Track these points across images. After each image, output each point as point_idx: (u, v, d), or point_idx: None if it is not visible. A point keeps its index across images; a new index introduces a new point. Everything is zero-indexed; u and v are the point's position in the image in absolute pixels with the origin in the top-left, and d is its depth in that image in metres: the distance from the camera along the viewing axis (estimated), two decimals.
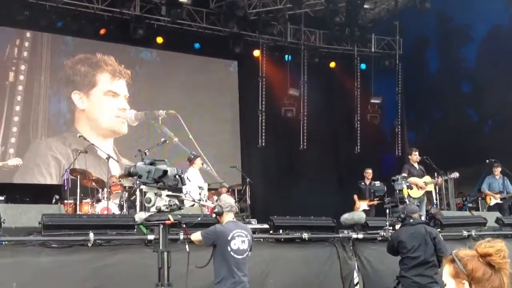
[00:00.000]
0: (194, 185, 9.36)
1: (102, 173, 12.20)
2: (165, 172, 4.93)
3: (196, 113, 15.68)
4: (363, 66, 17.33)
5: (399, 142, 17.10)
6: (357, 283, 7.71)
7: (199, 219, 5.40)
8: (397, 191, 8.81)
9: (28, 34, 13.82)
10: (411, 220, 6.80)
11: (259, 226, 8.52)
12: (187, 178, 8.91)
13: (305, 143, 16.37)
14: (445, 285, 2.23)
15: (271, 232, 7.59)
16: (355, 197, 12.36)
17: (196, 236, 5.35)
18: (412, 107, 17.43)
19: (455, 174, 11.28)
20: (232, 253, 5.24)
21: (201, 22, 14.98)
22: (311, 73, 16.55)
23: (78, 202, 9.68)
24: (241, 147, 16.22)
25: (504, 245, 2.17)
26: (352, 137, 16.89)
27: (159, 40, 14.83)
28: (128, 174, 5.12)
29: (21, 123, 13.39)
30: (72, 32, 13.94)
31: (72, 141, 13.56)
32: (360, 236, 7.84)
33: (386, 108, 17.24)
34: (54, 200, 10.17)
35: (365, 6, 15.28)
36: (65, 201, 9.79)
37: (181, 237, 6.00)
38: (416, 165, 10.98)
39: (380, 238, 7.82)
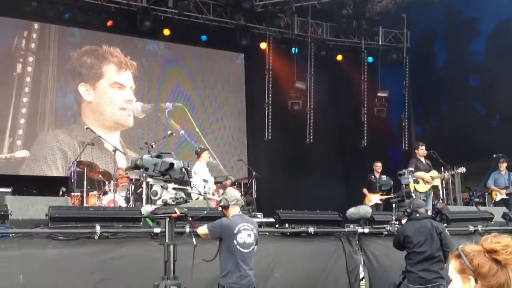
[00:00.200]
0: (199, 179, 9.36)
1: (109, 166, 12.25)
2: (172, 165, 4.93)
3: (202, 105, 15.70)
4: (370, 59, 17.25)
5: (406, 136, 17.04)
6: (363, 277, 7.72)
7: (205, 212, 5.40)
8: (404, 185, 8.81)
9: (35, 26, 13.84)
10: (417, 215, 6.78)
11: (265, 219, 8.54)
12: (194, 172, 8.94)
13: (311, 137, 16.34)
14: (451, 280, 2.22)
15: (277, 226, 7.59)
16: (365, 190, 12.16)
17: (203, 229, 5.36)
18: (419, 100, 17.34)
19: (462, 169, 11.25)
20: (238, 246, 5.24)
21: (208, 14, 14.94)
22: (318, 66, 16.49)
23: (85, 195, 9.71)
24: (247, 140, 16.22)
25: (510, 240, 2.16)
26: (359, 130, 16.84)
27: (166, 32, 14.82)
28: (135, 166, 5.13)
29: (29, 114, 13.43)
30: (80, 23, 13.95)
31: (78, 133, 13.59)
32: (366, 230, 7.83)
33: (393, 101, 17.17)
34: (61, 192, 10.19)
35: None
36: (72, 194, 9.81)
37: (187, 230, 6.01)
38: (422, 159, 10.95)
39: (386, 233, 7.81)
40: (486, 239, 2.17)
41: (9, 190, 9.79)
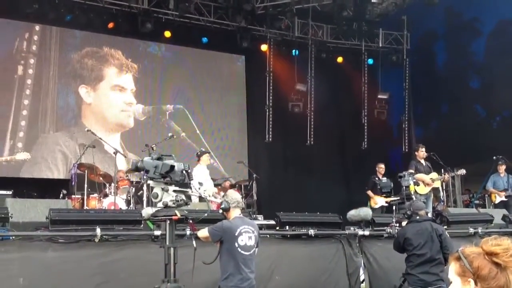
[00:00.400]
0: (195, 182, 9.36)
1: (109, 168, 12.23)
2: (172, 167, 4.93)
3: (203, 107, 15.70)
4: (370, 61, 17.25)
5: (406, 137, 17.04)
6: (363, 280, 7.72)
7: (206, 214, 5.40)
8: (404, 187, 8.80)
9: (37, 28, 13.84)
10: (418, 217, 6.78)
11: (265, 222, 8.53)
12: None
13: (312, 139, 16.34)
14: (451, 282, 2.22)
15: (277, 228, 7.59)
16: (370, 192, 11.91)
17: (203, 232, 5.35)
18: (419, 102, 17.35)
19: (462, 171, 11.24)
20: (239, 249, 5.24)
21: (209, 16, 14.96)
22: (319, 68, 16.50)
23: (85, 197, 9.70)
24: (248, 142, 16.21)
25: (510, 243, 2.16)
26: (359, 132, 16.83)
27: (167, 34, 14.83)
28: (136, 169, 5.13)
29: (30, 117, 13.43)
30: (81, 25, 13.95)
31: (79, 135, 13.60)
32: (367, 233, 7.83)
33: (393, 103, 17.17)
34: (61, 195, 10.19)
35: (372, 1, 15.23)
36: (73, 196, 9.79)
37: (188, 232, 6.02)
38: (423, 161, 10.95)
39: (387, 235, 7.81)
40: (486, 241, 2.17)
41: (9, 192, 9.78)
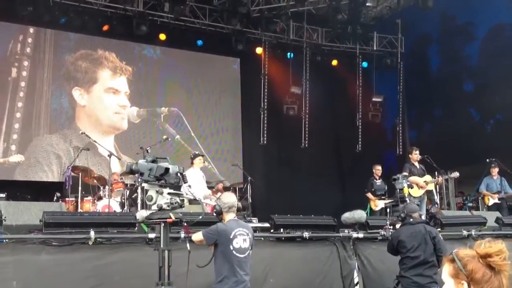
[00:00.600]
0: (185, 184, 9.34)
1: (103, 171, 12.22)
2: (167, 170, 4.94)
3: (198, 110, 15.71)
4: (365, 64, 17.30)
5: (400, 140, 17.08)
6: (357, 282, 7.72)
7: (200, 217, 5.39)
8: (398, 190, 8.83)
9: (31, 30, 13.83)
10: (411, 220, 6.79)
11: (260, 224, 8.53)
12: None
13: (306, 141, 16.36)
14: (444, 283, 2.23)
15: (272, 230, 7.58)
16: (370, 195, 11.79)
17: (197, 236, 5.33)
18: (413, 105, 17.41)
19: (456, 174, 11.28)
20: (234, 252, 5.22)
21: (204, 19, 14.97)
22: (313, 71, 16.53)
23: (79, 200, 9.68)
24: (242, 145, 16.23)
25: (504, 246, 2.17)
26: (354, 135, 16.87)
27: (162, 36, 14.84)
28: (130, 171, 5.14)
29: (23, 119, 13.40)
30: (75, 28, 13.93)
31: (73, 138, 13.59)
32: (361, 235, 7.84)
33: (387, 106, 17.23)
34: (55, 198, 10.17)
35: (367, 4, 15.28)
36: (66, 199, 9.78)
37: (182, 235, 6.01)
38: (416, 164, 10.98)
39: (381, 238, 7.82)
40: (480, 244, 2.18)
41: (3, 195, 9.77)
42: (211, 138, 15.64)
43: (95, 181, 10.38)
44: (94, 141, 11.10)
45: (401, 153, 16.68)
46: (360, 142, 16.84)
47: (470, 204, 13.82)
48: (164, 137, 11.09)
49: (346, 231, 8.12)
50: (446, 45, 16.64)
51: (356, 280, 7.68)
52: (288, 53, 16.37)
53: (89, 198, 10.00)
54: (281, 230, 7.52)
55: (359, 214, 8.10)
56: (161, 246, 4.98)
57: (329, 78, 17.11)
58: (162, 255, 4.93)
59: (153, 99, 15.20)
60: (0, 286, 5.41)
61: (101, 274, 5.93)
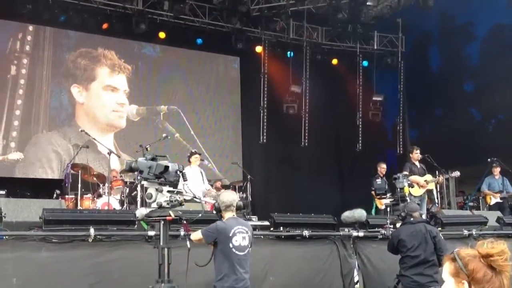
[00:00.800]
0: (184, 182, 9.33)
1: (103, 168, 12.22)
2: (166, 167, 4.93)
3: (197, 108, 15.70)
4: (365, 63, 17.29)
5: (401, 140, 17.08)
6: (357, 281, 7.71)
7: (200, 215, 5.39)
8: (399, 189, 8.81)
9: (30, 28, 13.81)
10: (412, 219, 6.79)
11: (259, 223, 8.52)
12: None
13: (306, 140, 16.35)
14: (444, 282, 2.21)
15: (271, 229, 7.56)
16: (373, 193, 11.40)
17: (196, 235, 5.31)
18: (414, 105, 17.42)
19: (456, 173, 11.28)
20: (234, 249, 5.21)
21: (203, 18, 14.95)
22: (313, 70, 16.52)
23: (79, 197, 9.67)
24: (242, 144, 16.22)
25: (506, 247, 2.16)
26: (354, 134, 16.86)
27: (162, 35, 14.82)
28: (130, 169, 5.12)
29: (23, 117, 13.39)
30: (75, 26, 13.92)
31: (72, 135, 13.57)
32: (361, 234, 7.83)
33: (388, 105, 17.23)
34: (55, 195, 10.16)
35: (368, 3, 15.28)
36: (66, 196, 9.77)
37: (182, 233, 6.00)
38: (417, 163, 10.97)
39: (381, 237, 7.81)
40: (482, 244, 2.17)
41: (3, 192, 9.76)
42: (210, 137, 15.63)
43: (94, 178, 10.38)
44: (94, 138, 11.10)
45: (401, 152, 16.68)
46: (360, 141, 16.84)
47: (471, 204, 13.82)
48: (164, 135, 11.07)
49: (346, 229, 8.10)
50: (447, 44, 16.65)
51: (356, 278, 7.67)
52: (288, 52, 16.35)
53: (89, 195, 9.98)
54: (281, 228, 7.49)
55: (359, 213, 8.07)
56: (161, 243, 4.97)
57: (329, 77, 17.10)
58: (162, 252, 4.92)
59: (153, 97, 15.19)
60: (0, 282, 5.40)
61: (101, 271, 5.93)
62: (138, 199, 9.15)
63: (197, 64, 15.87)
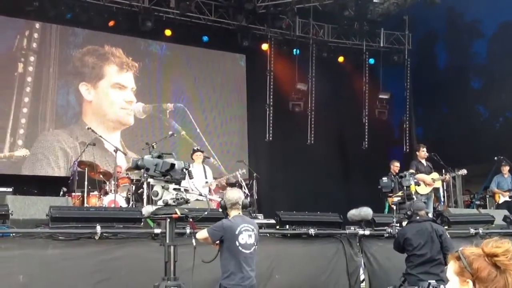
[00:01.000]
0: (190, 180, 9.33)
1: (109, 166, 12.25)
2: (173, 165, 4.94)
3: (203, 106, 15.71)
4: (371, 61, 17.22)
5: (407, 137, 17.02)
6: (363, 279, 7.71)
7: (206, 213, 5.39)
8: (405, 187, 8.80)
9: (37, 25, 13.83)
10: (418, 217, 6.79)
11: (265, 221, 8.52)
12: None
13: (312, 138, 16.32)
14: (448, 281, 2.21)
15: (277, 227, 7.57)
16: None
17: (202, 234, 5.29)
18: (420, 102, 17.35)
19: (463, 171, 11.23)
20: (240, 247, 5.21)
21: (209, 15, 14.94)
22: (319, 67, 16.47)
23: (85, 195, 9.70)
24: (248, 141, 16.21)
25: (511, 245, 2.15)
26: (360, 132, 16.82)
27: (168, 32, 14.82)
28: (136, 167, 5.14)
29: (30, 114, 13.43)
30: (81, 23, 13.95)
31: (79, 133, 13.61)
32: (367, 232, 7.82)
33: (394, 103, 17.16)
34: (61, 193, 10.19)
35: (374, 1, 15.26)
36: (73, 194, 9.80)
37: (188, 231, 6.01)
38: (423, 161, 10.94)
39: (387, 235, 7.79)
40: (487, 243, 2.15)
41: (10, 189, 9.79)
42: (216, 134, 15.64)
43: (101, 176, 10.41)
44: (100, 136, 11.12)
45: (408, 150, 16.63)
46: (366, 139, 16.79)
47: (478, 202, 13.78)
48: (170, 133, 11.11)
49: (352, 228, 8.10)
50: (454, 42, 16.57)
51: (362, 277, 7.68)
52: (294, 50, 16.30)
53: (95, 193, 10.02)
54: (287, 226, 7.49)
55: (365, 211, 8.06)
56: (167, 241, 4.99)
57: (335, 74, 17.04)
58: (168, 250, 4.93)
59: (159, 95, 15.20)
60: (6, 280, 5.43)
61: (107, 268, 5.95)
62: (145, 196, 9.17)
63: (203, 62, 15.86)
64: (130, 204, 9.78)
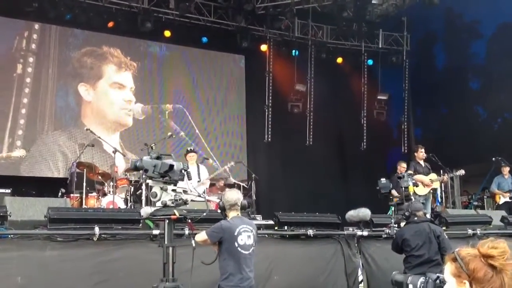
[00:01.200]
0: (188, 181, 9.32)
1: (108, 167, 12.24)
2: (171, 166, 4.94)
3: (202, 107, 15.72)
4: (370, 62, 17.26)
5: (406, 138, 17.05)
6: (362, 280, 7.72)
7: (205, 214, 5.39)
8: (403, 188, 8.80)
9: (36, 26, 13.83)
10: (416, 218, 6.79)
11: (264, 222, 8.52)
12: None
13: (311, 139, 16.34)
14: (445, 282, 2.22)
15: (276, 228, 7.57)
16: (395, 192, 11.72)
17: (201, 236, 5.26)
18: (419, 103, 17.37)
19: (461, 172, 11.24)
20: (239, 248, 5.20)
21: (209, 16, 14.96)
22: (318, 68, 16.50)
23: (84, 196, 9.70)
24: (247, 142, 16.22)
25: (507, 246, 2.16)
26: (359, 133, 16.84)
27: (167, 33, 14.83)
28: (134, 168, 5.13)
29: (28, 115, 13.43)
30: (81, 24, 13.96)
31: (78, 135, 13.60)
32: (365, 233, 7.82)
33: (392, 104, 17.18)
34: (60, 194, 10.19)
35: (373, 2, 15.24)
36: (71, 195, 9.80)
37: (187, 232, 6.01)
38: (422, 162, 10.95)
39: (385, 236, 7.80)
40: (483, 243, 2.16)
41: (8, 191, 9.78)
42: (215, 135, 15.64)
43: (99, 177, 10.40)
44: (99, 137, 11.12)
45: (406, 151, 16.65)
46: (365, 140, 16.81)
47: (476, 203, 13.79)
48: (169, 133, 11.09)
49: (350, 229, 8.10)
50: (452, 43, 16.58)
51: (360, 278, 7.68)
52: (293, 51, 16.33)
53: (94, 194, 10.01)
54: (285, 227, 7.49)
55: (364, 212, 8.07)
56: (166, 242, 4.98)
57: (334, 75, 17.07)
58: (167, 251, 4.93)
59: (158, 96, 15.21)
60: (4, 281, 5.43)
61: (106, 270, 5.95)
62: (143, 197, 9.16)
63: (202, 63, 15.88)
64: (129, 205, 9.78)
